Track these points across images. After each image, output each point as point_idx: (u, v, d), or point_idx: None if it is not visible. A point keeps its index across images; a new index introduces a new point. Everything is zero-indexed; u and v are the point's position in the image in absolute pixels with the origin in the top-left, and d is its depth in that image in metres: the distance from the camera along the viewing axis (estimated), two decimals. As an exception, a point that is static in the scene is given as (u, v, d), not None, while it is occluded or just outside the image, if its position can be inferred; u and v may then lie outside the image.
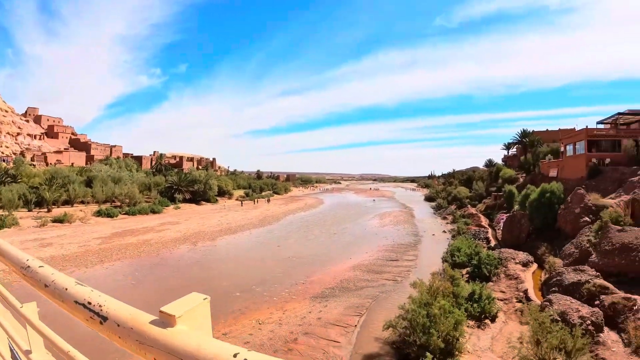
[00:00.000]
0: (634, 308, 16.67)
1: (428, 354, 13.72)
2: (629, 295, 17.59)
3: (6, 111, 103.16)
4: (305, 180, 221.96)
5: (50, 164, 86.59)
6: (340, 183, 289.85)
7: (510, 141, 79.96)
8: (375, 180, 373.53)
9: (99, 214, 55.84)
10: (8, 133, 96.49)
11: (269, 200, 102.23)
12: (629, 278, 19.47)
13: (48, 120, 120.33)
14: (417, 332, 15.68)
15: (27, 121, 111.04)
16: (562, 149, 44.91)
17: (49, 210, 52.90)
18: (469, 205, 65.69)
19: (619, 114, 44.38)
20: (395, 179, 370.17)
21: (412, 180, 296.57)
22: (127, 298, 22.31)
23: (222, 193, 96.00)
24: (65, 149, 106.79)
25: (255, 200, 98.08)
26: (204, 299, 1.34)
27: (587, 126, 40.51)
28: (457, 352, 15.66)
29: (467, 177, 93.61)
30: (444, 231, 50.85)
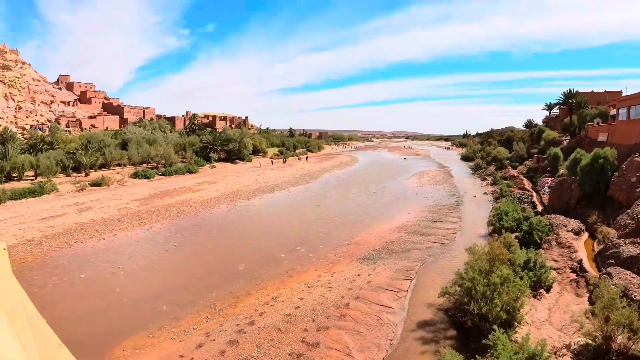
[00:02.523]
0: None
1: (495, 327, 12.72)
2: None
3: (38, 80, 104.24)
4: (337, 138, 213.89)
5: (85, 129, 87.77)
6: (372, 141, 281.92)
7: (554, 102, 75.33)
8: (407, 138, 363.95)
9: (135, 175, 56.16)
10: (42, 102, 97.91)
11: (307, 158, 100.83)
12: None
13: (80, 86, 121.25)
14: (478, 301, 14.74)
15: (60, 89, 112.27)
16: (612, 112, 41.25)
17: (86, 175, 53.79)
18: (509, 167, 62.67)
19: (683, 79, 39.52)
20: (428, 137, 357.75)
21: (445, 138, 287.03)
22: (176, 264, 22.11)
23: (256, 151, 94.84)
24: (98, 113, 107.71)
25: (284, 159, 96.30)
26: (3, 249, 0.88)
27: (645, 90, 36.51)
28: (516, 323, 14.78)
29: (506, 137, 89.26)
30: (485, 193, 48.72)
